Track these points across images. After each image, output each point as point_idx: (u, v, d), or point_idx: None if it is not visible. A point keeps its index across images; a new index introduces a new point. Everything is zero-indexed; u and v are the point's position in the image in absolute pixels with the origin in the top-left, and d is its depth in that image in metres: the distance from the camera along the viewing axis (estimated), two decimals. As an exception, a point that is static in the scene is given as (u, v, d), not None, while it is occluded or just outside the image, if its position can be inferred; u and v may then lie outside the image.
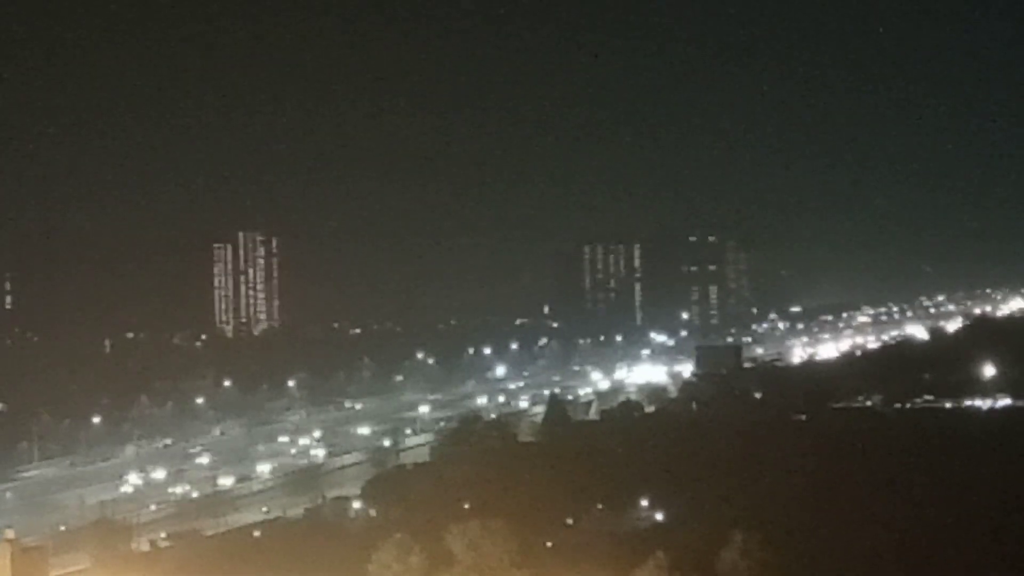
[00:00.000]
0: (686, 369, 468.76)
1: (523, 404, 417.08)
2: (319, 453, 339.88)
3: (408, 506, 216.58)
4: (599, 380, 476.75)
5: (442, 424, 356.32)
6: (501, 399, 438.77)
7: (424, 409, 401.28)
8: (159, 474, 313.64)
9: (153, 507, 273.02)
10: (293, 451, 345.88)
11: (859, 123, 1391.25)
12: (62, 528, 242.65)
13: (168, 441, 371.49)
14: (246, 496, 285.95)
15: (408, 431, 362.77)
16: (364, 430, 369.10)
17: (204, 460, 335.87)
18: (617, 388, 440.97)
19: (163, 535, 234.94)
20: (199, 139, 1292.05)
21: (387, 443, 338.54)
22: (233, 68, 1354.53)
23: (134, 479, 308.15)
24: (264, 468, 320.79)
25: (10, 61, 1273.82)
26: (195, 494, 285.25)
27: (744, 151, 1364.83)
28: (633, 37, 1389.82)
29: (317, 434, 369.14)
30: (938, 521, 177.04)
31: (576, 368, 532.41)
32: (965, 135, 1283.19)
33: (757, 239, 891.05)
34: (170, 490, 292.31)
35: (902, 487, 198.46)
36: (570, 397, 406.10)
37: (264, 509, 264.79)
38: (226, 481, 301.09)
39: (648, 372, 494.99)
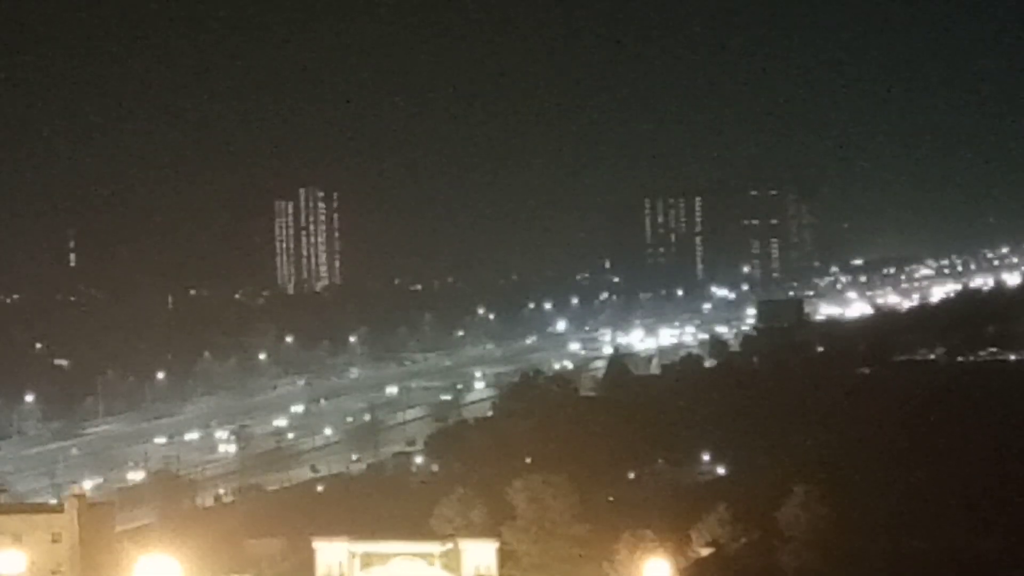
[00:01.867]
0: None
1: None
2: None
3: (470, 461, 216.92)
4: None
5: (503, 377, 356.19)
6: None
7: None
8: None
9: (217, 462, 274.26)
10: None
11: (921, 74, 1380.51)
12: (129, 480, 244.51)
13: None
14: (309, 451, 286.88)
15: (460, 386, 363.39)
16: (425, 384, 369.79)
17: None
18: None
19: (226, 490, 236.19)
20: (262, 97, 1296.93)
21: (448, 398, 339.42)
22: (296, 27, 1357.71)
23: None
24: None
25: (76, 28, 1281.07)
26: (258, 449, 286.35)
27: (805, 104, 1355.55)
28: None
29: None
30: (1002, 474, 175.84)
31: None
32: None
33: (818, 193, 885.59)
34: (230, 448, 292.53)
35: (965, 440, 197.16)
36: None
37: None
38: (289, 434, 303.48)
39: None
